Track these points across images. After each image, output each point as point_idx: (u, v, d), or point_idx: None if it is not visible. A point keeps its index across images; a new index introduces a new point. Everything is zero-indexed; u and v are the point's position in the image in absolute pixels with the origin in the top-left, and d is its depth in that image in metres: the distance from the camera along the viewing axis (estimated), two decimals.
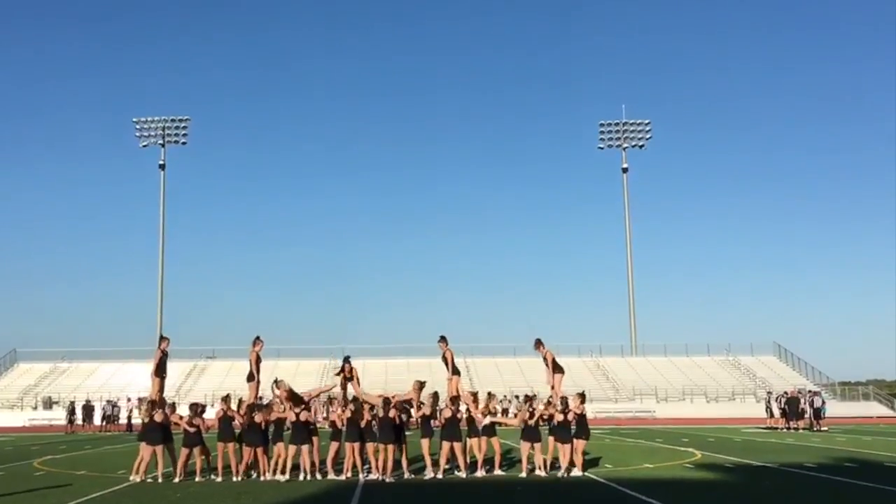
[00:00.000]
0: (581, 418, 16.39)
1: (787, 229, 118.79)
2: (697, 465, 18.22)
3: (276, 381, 16.51)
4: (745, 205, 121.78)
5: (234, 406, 16.53)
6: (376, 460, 15.72)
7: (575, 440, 16.25)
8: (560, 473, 15.90)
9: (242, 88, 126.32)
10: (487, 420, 16.62)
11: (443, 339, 17.34)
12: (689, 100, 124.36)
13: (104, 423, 41.90)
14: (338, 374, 17.28)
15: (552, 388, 17.12)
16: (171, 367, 17.62)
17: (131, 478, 15.48)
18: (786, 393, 38.23)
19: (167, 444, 15.90)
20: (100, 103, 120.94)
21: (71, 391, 54.09)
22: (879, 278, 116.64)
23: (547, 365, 17.23)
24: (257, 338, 16.97)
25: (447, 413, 16.07)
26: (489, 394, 18.23)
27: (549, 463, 16.37)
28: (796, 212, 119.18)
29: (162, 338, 17.53)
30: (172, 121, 74.27)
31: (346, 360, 17.32)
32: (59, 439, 33.00)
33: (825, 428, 34.51)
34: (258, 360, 17.03)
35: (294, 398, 16.12)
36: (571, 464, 16.12)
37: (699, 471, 17.19)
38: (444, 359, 17.30)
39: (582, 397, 16.76)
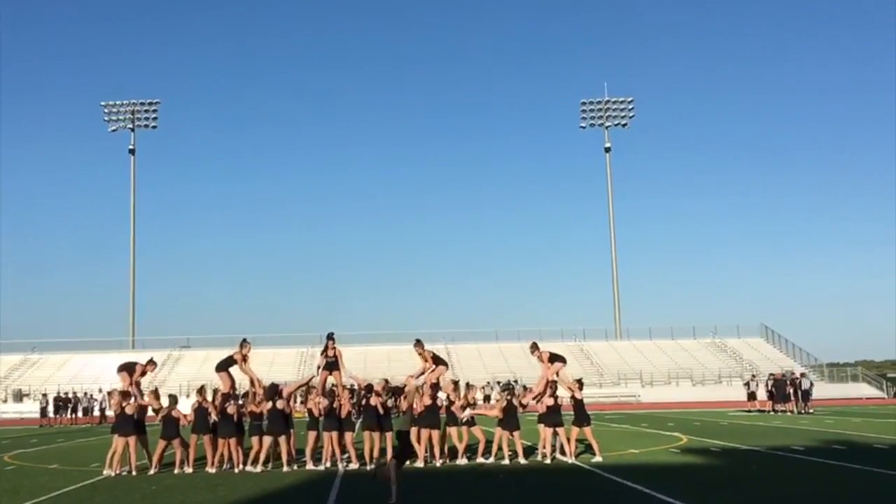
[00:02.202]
0: (579, 404, 16.14)
1: (774, 209, 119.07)
2: (683, 450, 17.99)
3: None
4: (731, 184, 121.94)
5: (209, 397, 16.15)
6: (357, 450, 15.40)
7: (576, 427, 16.01)
8: (539, 457, 15.68)
9: (213, 70, 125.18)
10: (467, 413, 16.31)
11: (418, 342, 16.98)
12: (673, 77, 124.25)
13: (73, 416, 41.14)
14: (322, 353, 16.73)
15: (555, 377, 16.55)
16: (145, 356, 17.10)
17: (105, 471, 15.09)
18: (772, 375, 38.13)
19: (140, 436, 15.52)
20: (66, 86, 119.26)
21: (42, 383, 53.44)
22: (868, 259, 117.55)
23: (542, 361, 16.75)
24: (244, 340, 16.51)
25: (427, 400, 15.73)
26: (468, 384, 17.89)
27: (549, 451, 16.09)
28: (783, 191, 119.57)
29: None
30: (142, 104, 73.19)
31: (330, 336, 16.67)
32: (31, 432, 32.52)
33: (812, 410, 34.42)
34: (244, 360, 16.40)
35: (272, 394, 15.73)
36: (560, 450, 15.90)
37: (685, 455, 16.96)
38: (425, 360, 16.83)
39: (580, 383, 16.50)
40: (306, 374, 18.19)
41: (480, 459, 16.14)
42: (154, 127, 73.74)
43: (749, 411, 36.11)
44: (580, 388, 16.30)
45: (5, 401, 53.34)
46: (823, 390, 47.47)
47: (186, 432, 15.85)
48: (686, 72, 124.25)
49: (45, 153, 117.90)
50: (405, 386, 16.66)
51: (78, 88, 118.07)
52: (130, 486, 13.46)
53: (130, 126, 72.90)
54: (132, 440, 15.27)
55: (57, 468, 16.83)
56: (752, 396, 37.60)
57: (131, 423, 15.40)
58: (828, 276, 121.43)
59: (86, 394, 43.13)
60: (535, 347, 17.04)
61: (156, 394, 16.22)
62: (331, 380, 16.41)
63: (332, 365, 16.40)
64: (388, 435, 15.69)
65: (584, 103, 74.57)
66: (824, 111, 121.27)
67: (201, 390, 16.22)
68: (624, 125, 74.83)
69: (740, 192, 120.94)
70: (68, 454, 20.44)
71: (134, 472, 15.00)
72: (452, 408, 16.40)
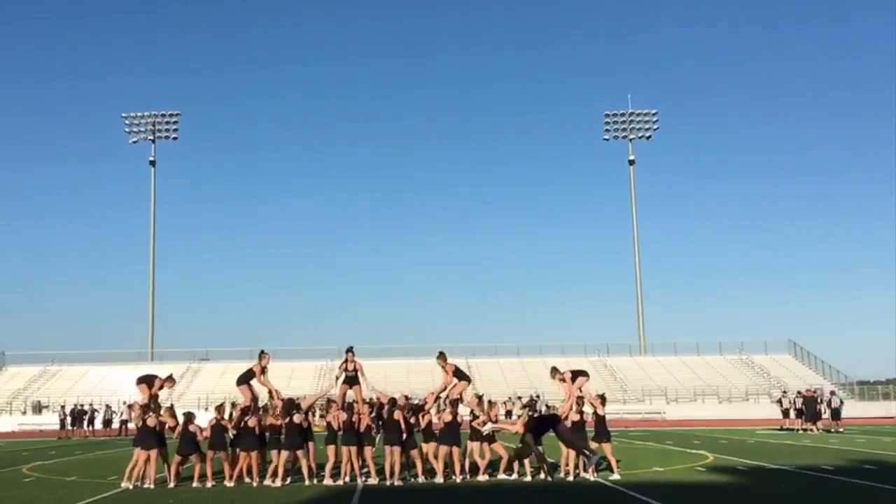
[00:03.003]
0: (601, 420, 15.92)
1: (803, 223, 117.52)
2: (710, 468, 17.65)
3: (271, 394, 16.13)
4: (758, 197, 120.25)
5: (227, 411, 16.06)
6: (377, 465, 15.23)
7: (595, 443, 15.80)
8: (562, 474, 15.43)
9: (234, 83, 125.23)
10: (489, 428, 16.08)
11: (441, 355, 16.73)
12: (698, 89, 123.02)
13: (91, 428, 41.10)
14: (341, 366, 16.56)
15: (577, 393, 16.26)
16: (164, 369, 17.03)
17: (122, 484, 15.00)
18: (799, 392, 37.54)
19: (161, 449, 15.43)
20: (88, 99, 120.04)
21: (61, 395, 53.33)
22: None
23: (565, 381, 16.45)
24: (262, 352, 16.43)
25: (447, 416, 15.52)
26: (490, 402, 17.64)
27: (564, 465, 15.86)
28: (812, 205, 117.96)
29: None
30: (162, 116, 73.38)
31: (349, 350, 16.53)
32: (50, 444, 32.56)
33: (842, 429, 33.82)
34: (263, 372, 16.30)
35: (289, 409, 15.60)
36: (581, 467, 15.64)
37: (711, 474, 16.63)
38: (447, 373, 16.61)
39: (602, 399, 16.25)
40: (325, 387, 17.99)
41: (502, 476, 15.91)
42: (175, 139, 74.05)
43: (780, 429, 35.51)
44: (602, 404, 16.05)
45: (24, 413, 53.42)
46: (854, 409, 46.58)
47: (204, 446, 15.74)
48: (711, 84, 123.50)
49: (68, 164, 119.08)
50: (425, 403, 16.49)
51: (99, 100, 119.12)
52: (148, 500, 13.37)
53: (151, 138, 73.23)
54: (153, 453, 15.17)
55: (75, 480, 16.78)
56: (786, 413, 36.99)
57: (154, 436, 15.31)
58: (859, 292, 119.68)
59: (107, 406, 43.21)
60: (555, 371, 16.74)
61: (171, 411, 16.15)
62: (350, 394, 16.26)
63: (352, 379, 16.28)
64: (413, 451, 15.56)
65: (607, 115, 74.06)
66: (852, 122, 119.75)
67: (219, 408, 16.14)
68: (648, 137, 74.23)
69: (767, 206, 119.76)
70: (87, 466, 20.41)
71: (153, 486, 14.89)
72: (475, 423, 16.17)
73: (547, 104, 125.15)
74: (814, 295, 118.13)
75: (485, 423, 16.08)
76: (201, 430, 15.67)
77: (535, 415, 15.94)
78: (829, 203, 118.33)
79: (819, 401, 35.08)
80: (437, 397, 16.59)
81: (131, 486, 14.82)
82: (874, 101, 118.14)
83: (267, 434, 15.70)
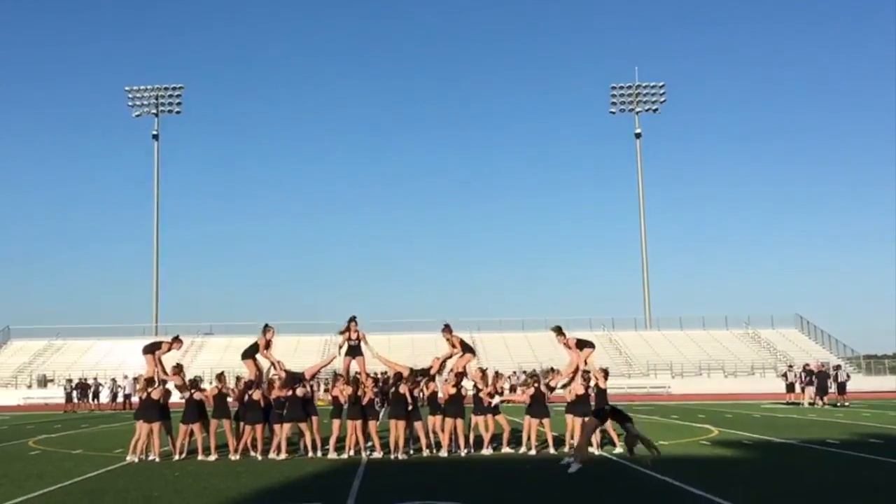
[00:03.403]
0: (602, 393, 15.84)
1: (810, 196, 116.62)
2: (714, 442, 17.64)
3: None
4: (765, 170, 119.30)
5: (231, 383, 16.05)
6: (381, 439, 15.25)
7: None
8: (567, 447, 15.42)
9: (237, 55, 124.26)
10: (496, 400, 16.05)
11: (447, 327, 16.66)
12: (705, 61, 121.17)
13: (96, 401, 41.30)
14: (343, 334, 16.29)
15: (583, 365, 16.11)
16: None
17: (128, 457, 15.05)
18: (805, 366, 37.51)
19: (164, 422, 15.46)
20: (91, 72, 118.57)
21: (66, 369, 53.50)
22: None
23: (570, 347, 16.27)
24: (266, 326, 16.39)
25: (451, 389, 15.50)
26: (496, 373, 17.60)
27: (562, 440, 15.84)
28: (819, 178, 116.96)
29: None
30: (166, 89, 72.99)
31: (352, 319, 16.28)
32: (55, 418, 32.73)
33: (847, 403, 33.81)
34: (267, 346, 16.27)
35: (292, 380, 15.59)
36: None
37: (716, 448, 16.62)
38: (453, 345, 16.55)
39: (605, 373, 16.17)
40: (329, 356, 17.88)
41: (506, 449, 15.91)
42: (178, 112, 73.68)
43: (788, 403, 35.50)
44: (605, 378, 15.99)
45: (30, 386, 53.75)
46: (860, 383, 46.48)
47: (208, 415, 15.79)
48: (719, 56, 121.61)
49: (70, 138, 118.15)
50: (430, 368, 16.41)
51: (102, 73, 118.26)
52: (153, 472, 13.39)
53: (154, 111, 72.85)
54: (156, 426, 15.20)
55: (81, 453, 16.85)
56: (790, 388, 36.95)
57: (156, 409, 15.34)
58: (866, 265, 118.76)
59: (113, 380, 43.42)
60: (559, 332, 16.18)
61: (178, 368, 16.13)
62: (354, 365, 16.21)
63: (354, 350, 16.18)
64: (418, 424, 15.54)
65: (614, 88, 73.44)
66: (862, 93, 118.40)
67: (220, 376, 16.14)
68: (655, 110, 73.67)
69: (774, 179, 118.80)
70: (92, 440, 20.50)
71: (157, 459, 14.93)
72: (481, 394, 16.13)
73: (553, 77, 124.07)
74: (821, 269, 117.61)
75: (492, 396, 16.05)
76: (207, 398, 15.69)
77: (607, 407, 15.59)
78: (838, 177, 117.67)
79: (828, 375, 35.03)
80: (443, 364, 16.51)
81: (136, 460, 14.88)
82: (886, 66, 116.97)
83: (272, 406, 15.73)
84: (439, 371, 16.52)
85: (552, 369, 16.58)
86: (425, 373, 16.19)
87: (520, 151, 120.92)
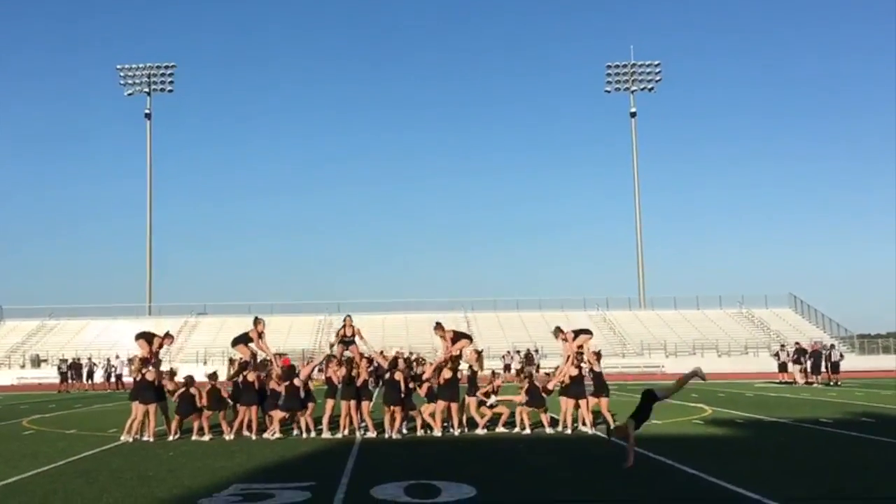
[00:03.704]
0: (598, 376, 15.91)
1: (805, 176, 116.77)
2: (707, 421, 17.71)
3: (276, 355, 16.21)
4: (760, 150, 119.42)
5: (227, 371, 16.06)
6: (374, 420, 15.29)
7: (593, 398, 15.78)
8: (561, 429, 15.47)
9: (230, 34, 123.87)
10: (492, 400, 16.08)
11: (438, 325, 16.42)
12: (701, 40, 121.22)
13: (90, 381, 41.36)
14: (338, 333, 16.55)
15: (575, 349, 16.12)
16: (162, 323, 17.02)
17: (122, 437, 15.05)
18: (798, 344, 37.65)
19: (160, 403, 15.47)
20: (83, 49, 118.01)
21: (59, 349, 53.45)
22: None
23: (568, 341, 16.10)
24: (257, 319, 16.40)
25: (447, 373, 15.48)
26: (493, 372, 17.53)
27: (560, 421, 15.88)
28: (814, 157, 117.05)
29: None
30: (158, 67, 72.67)
31: (348, 317, 16.67)
32: (49, 398, 32.73)
33: (840, 382, 33.95)
34: (260, 336, 16.26)
35: (290, 374, 15.62)
36: (581, 421, 15.68)
37: (709, 426, 16.69)
38: (446, 341, 16.43)
39: (598, 355, 16.22)
40: (323, 341, 17.91)
41: (501, 429, 15.95)
42: (170, 91, 73.48)
43: (781, 382, 35.64)
44: (598, 360, 16.05)
45: (23, 366, 53.76)
46: (854, 362, 46.69)
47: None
48: (715, 35, 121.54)
49: (62, 117, 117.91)
50: (423, 373, 16.38)
51: (94, 51, 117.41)
52: (148, 452, 13.39)
53: (146, 90, 72.56)
54: (152, 408, 15.20)
55: (75, 433, 16.85)
56: (783, 367, 37.07)
57: (152, 391, 15.33)
58: (860, 245, 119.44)
59: (108, 360, 43.43)
60: (558, 331, 16.37)
61: (171, 374, 16.14)
62: (347, 354, 16.28)
63: (348, 345, 16.27)
64: (413, 412, 15.59)
65: (609, 66, 73.32)
66: (859, 70, 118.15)
67: (213, 376, 16.15)
68: (650, 89, 73.57)
69: (769, 158, 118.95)
70: (86, 420, 20.51)
71: (152, 439, 14.93)
72: (478, 393, 16.15)
73: (548, 55, 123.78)
74: (816, 248, 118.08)
75: (488, 395, 16.08)
76: (201, 395, 15.68)
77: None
78: (831, 156, 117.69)
79: (822, 355, 35.17)
80: (439, 369, 16.28)
81: (131, 440, 14.88)
82: (880, 47, 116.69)
83: (267, 391, 15.75)
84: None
85: (538, 366, 16.70)
86: (418, 378, 16.18)
87: (515, 131, 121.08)
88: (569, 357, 15.82)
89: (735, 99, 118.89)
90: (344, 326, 16.43)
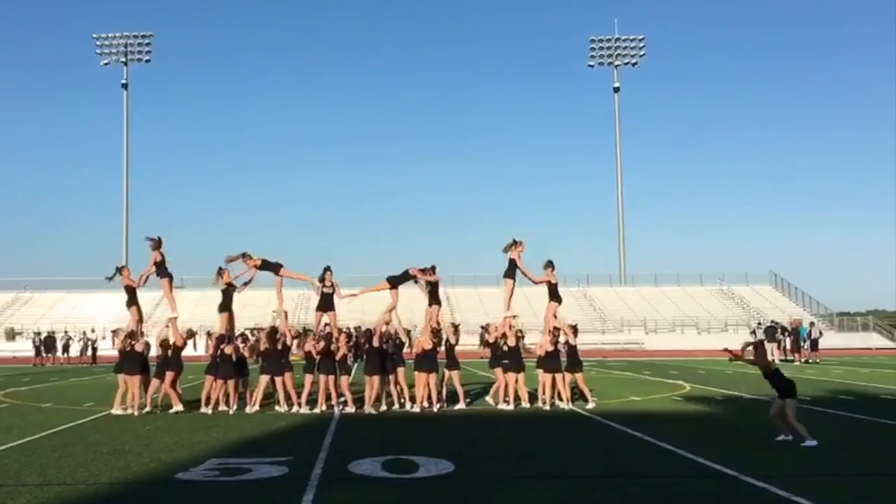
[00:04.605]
0: (573, 350, 15.88)
1: (786, 154, 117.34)
2: (686, 398, 17.78)
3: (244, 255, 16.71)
4: (742, 127, 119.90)
5: (203, 336, 15.97)
6: (354, 394, 15.23)
7: (568, 373, 15.75)
8: (539, 402, 15.48)
9: (208, 2, 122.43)
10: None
11: (433, 268, 16.59)
12: (686, 15, 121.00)
13: (66, 355, 41.06)
14: (318, 282, 16.24)
15: (553, 321, 16.16)
16: (140, 298, 16.82)
17: (114, 411, 14.92)
18: (774, 322, 37.88)
19: (144, 376, 15.37)
20: (57, 18, 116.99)
21: (34, 322, 53.04)
22: (880, 207, 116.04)
23: (518, 257, 16.39)
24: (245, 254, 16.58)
25: (427, 344, 15.41)
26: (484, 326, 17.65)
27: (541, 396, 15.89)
28: (795, 136, 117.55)
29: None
30: (135, 37, 71.76)
31: (327, 269, 16.30)
32: (24, 371, 32.50)
33: (818, 360, 34.20)
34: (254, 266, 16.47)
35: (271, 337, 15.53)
36: (557, 396, 15.65)
37: (688, 403, 16.75)
38: (429, 284, 16.47)
39: (574, 329, 16.21)
40: (304, 318, 17.80)
41: (489, 400, 15.98)
42: (147, 61, 72.57)
43: None
44: (574, 334, 16.04)
45: None
46: (833, 340, 47.09)
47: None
48: (699, 9, 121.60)
49: (36, 88, 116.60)
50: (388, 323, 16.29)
51: (70, 21, 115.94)
52: (124, 426, 13.27)
53: (123, 60, 71.66)
54: (137, 380, 15.06)
55: (50, 406, 16.72)
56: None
57: (138, 363, 15.22)
58: (840, 224, 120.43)
59: (84, 333, 43.08)
60: (515, 245, 16.55)
61: (190, 334, 16.30)
62: (325, 319, 16.18)
63: (327, 301, 16.11)
64: (391, 378, 15.55)
65: (593, 41, 73.08)
66: (841, 49, 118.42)
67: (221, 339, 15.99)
68: (634, 64, 73.48)
69: (752, 136, 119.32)
70: (61, 393, 20.37)
71: (136, 413, 14.79)
72: (455, 349, 16.12)
73: (531, 29, 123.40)
74: (796, 226, 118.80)
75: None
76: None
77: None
78: (813, 135, 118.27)
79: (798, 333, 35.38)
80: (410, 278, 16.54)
81: (136, 413, 14.75)
82: (868, 32, 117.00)
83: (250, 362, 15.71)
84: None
85: (483, 327, 16.98)
86: (399, 346, 16.17)
87: (496, 106, 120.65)
88: (511, 292, 15.92)
89: (718, 75, 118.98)
90: (324, 277, 16.18)
